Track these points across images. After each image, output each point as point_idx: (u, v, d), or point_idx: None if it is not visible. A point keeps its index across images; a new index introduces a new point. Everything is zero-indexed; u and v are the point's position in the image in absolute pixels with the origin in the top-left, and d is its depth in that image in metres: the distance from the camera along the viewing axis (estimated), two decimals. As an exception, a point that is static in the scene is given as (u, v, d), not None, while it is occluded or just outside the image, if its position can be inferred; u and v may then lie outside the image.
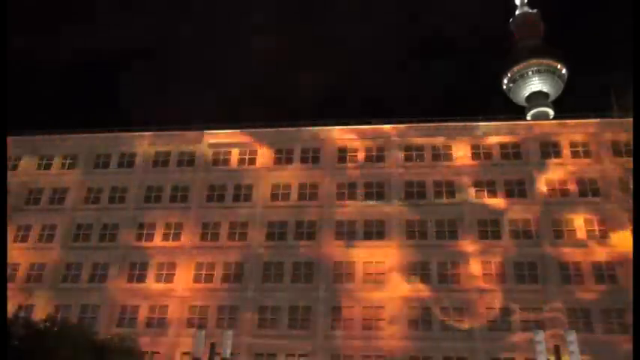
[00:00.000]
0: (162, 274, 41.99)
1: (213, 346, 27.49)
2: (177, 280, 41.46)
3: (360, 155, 45.32)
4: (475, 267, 39.52)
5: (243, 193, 44.82)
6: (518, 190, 42.44)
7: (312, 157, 45.80)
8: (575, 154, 43.49)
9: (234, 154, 46.66)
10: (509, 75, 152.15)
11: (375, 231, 41.83)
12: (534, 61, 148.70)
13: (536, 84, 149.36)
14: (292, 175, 45.04)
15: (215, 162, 46.61)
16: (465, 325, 37.70)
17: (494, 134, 44.99)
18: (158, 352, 38.58)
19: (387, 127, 46.36)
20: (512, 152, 44.23)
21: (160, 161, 47.29)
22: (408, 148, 45.13)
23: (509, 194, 42.29)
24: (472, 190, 42.62)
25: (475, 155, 44.28)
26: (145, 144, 48.04)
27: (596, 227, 40.34)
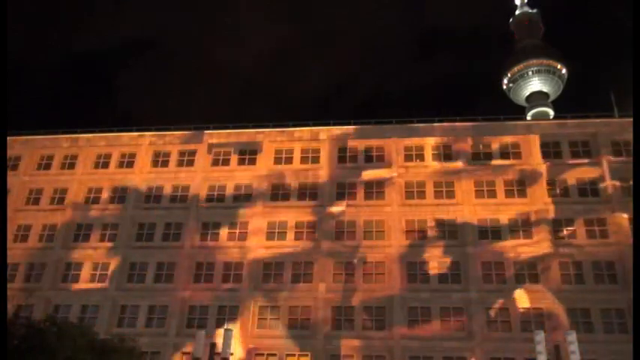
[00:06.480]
0: (161, 274, 42.00)
1: (213, 346, 27.43)
2: (176, 280, 41.46)
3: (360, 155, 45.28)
4: (475, 267, 39.50)
5: (243, 194, 44.80)
6: (518, 190, 42.40)
7: (311, 157, 45.71)
8: (574, 154, 43.41)
9: (234, 155, 46.61)
10: (509, 75, 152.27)
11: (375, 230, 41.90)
12: (534, 61, 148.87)
13: (536, 84, 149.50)
14: (293, 175, 44.97)
15: (215, 162, 46.54)
16: (465, 325, 37.70)
17: (494, 134, 44.86)
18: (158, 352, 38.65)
19: (387, 126, 46.34)
20: (512, 152, 44.10)
21: (160, 161, 47.25)
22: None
23: (508, 195, 42.26)
24: (472, 192, 42.59)
25: (475, 155, 44.19)
26: (144, 144, 47.94)
27: (596, 227, 40.33)
